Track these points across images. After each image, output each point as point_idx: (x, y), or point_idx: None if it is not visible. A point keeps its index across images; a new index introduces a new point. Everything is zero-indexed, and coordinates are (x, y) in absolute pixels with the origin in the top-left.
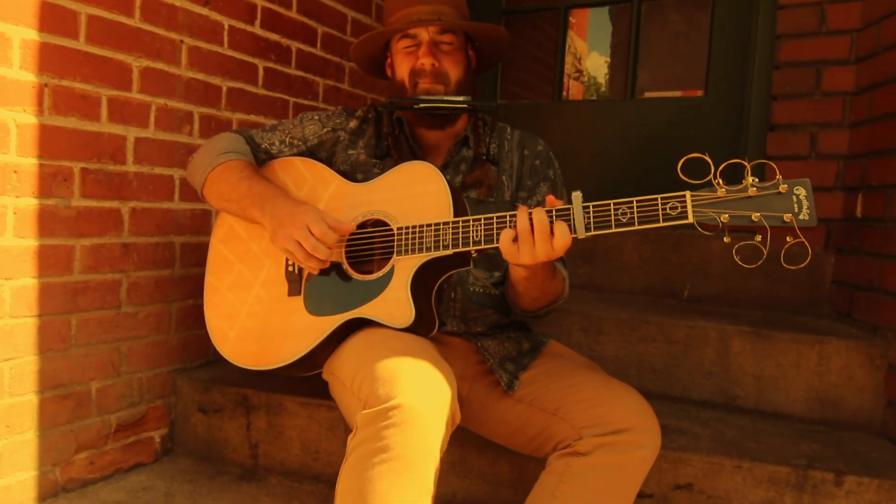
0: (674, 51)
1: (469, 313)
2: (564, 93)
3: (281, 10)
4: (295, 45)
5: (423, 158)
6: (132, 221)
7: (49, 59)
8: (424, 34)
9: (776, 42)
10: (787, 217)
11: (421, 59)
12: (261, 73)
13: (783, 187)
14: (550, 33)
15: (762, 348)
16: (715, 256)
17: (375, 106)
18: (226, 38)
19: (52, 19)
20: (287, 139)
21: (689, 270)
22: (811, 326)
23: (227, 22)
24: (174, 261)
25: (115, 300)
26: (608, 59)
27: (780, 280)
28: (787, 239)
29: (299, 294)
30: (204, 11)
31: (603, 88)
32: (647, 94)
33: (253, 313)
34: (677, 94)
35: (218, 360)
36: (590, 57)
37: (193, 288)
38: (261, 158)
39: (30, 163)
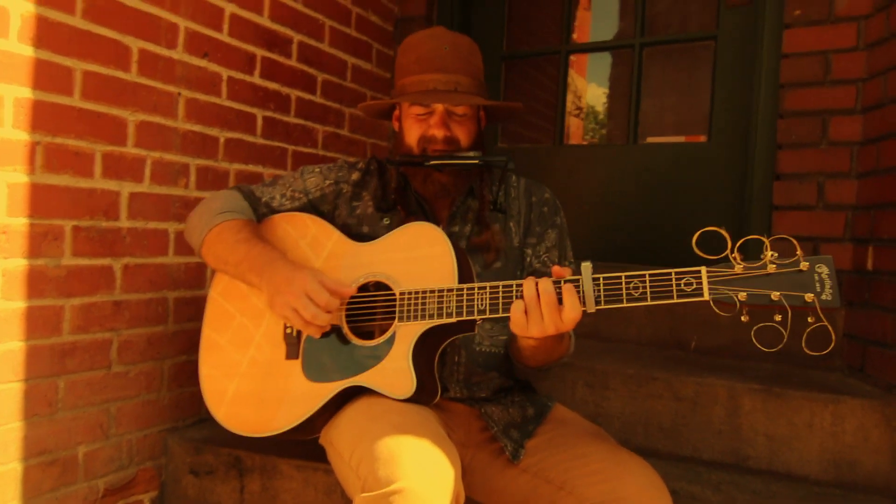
0: (675, 95)
1: (473, 377)
2: (565, 133)
3: (281, 59)
4: (294, 94)
5: (430, 209)
6: (124, 278)
7: (42, 117)
8: (438, 104)
9: (780, 91)
10: (809, 297)
11: (433, 130)
12: (259, 122)
13: (804, 265)
14: (551, 73)
15: (774, 407)
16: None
17: (377, 158)
18: (224, 89)
19: (46, 77)
20: (288, 192)
21: (697, 322)
22: (824, 383)
23: (225, 73)
24: (167, 316)
25: (105, 360)
26: (607, 91)
27: (791, 333)
28: (809, 319)
29: (297, 357)
30: (202, 63)
31: (603, 127)
32: (650, 139)
33: (249, 375)
34: (680, 139)
35: (211, 417)
36: (589, 89)
37: (187, 344)
38: (261, 213)
39: (20, 223)
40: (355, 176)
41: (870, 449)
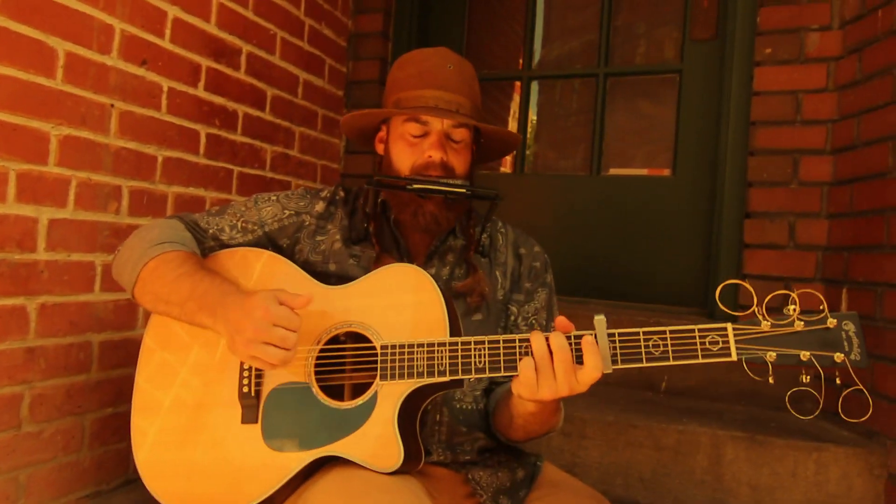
0: (637, 127)
1: (456, 437)
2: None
3: (228, 70)
4: (242, 109)
5: (405, 244)
6: (40, 320)
7: None
8: (438, 124)
9: (751, 128)
10: (839, 357)
11: (429, 152)
12: (203, 140)
13: (831, 322)
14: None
15: (757, 455)
16: None
17: (344, 186)
18: (164, 102)
19: None
20: (239, 224)
21: None
22: (804, 429)
23: (166, 84)
24: (91, 364)
25: (14, 419)
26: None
27: (763, 373)
28: (837, 381)
29: (256, 422)
30: (140, 72)
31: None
32: (613, 171)
33: (196, 444)
34: (643, 171)
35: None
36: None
37: (113, 394)
38: (207, 247)
39: None
40: (319, 206)
41: (854, 498)
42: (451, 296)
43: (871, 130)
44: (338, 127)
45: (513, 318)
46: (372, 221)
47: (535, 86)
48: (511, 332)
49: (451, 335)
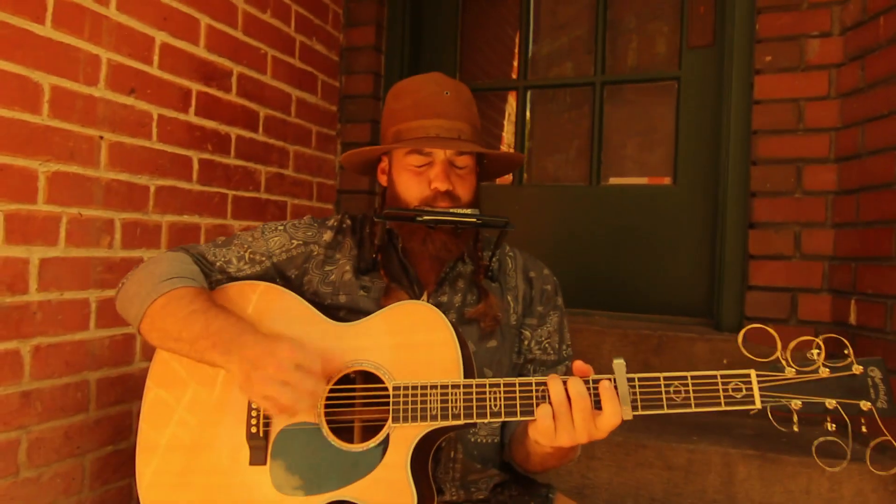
0: (636, 136)
1: (470, 475)
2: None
3: (219, 94)
4: (234, 132)
5: (415, 273)
6: (35, 363)
7: None
8: (441, 153)
9: (753, 137)
10: (865, 405)
11: (434, 182)
12: (195, 166)
13: (857, 368)
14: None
15: (770, 473)
16: (700, 360)
17: (350, 214)
18: (154, 130)
19: None
20: (247, 255)
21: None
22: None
23: (156, 111)
24: (88, 402)
25: (12, 466)
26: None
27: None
28: (863, 430)
29: (264, 463)
30: (129, 101)
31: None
32: (613, 180)
33: (204, 487)
34: (643, 180)
35: None
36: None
37: (112, 431)
38: (214, 279)
39: None
40: (327, 236)
41: None
42: (465, 321)
43: (875, 140)
44: (332, 143)
45: (526, 342)
46: (381, 249)
47: (531, 95)
48: (524, 356)
49: (466, 376)
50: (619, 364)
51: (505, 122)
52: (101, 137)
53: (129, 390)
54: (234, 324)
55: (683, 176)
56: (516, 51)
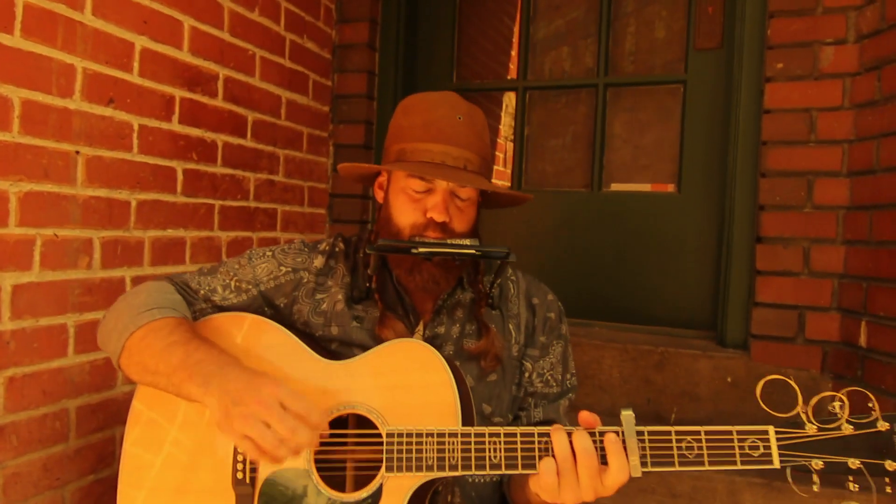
0: (640, 140)
1: None
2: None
3: (204, 99)
4: (221, 139)
5: (410, 302)
6: (9, 395)
7: None
8: (444, 182)
9: (762, 148)
10: (891, 465)
11: (431, 212)
12: (179, 177)
13: (883, 425)
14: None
15: (776, 502)
16: (703, 378)
17: (343, 236)
18: (135, 142)
19: None
20: (233, 283)
21: (675, 392)
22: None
23: (136, 121)
24: (68, 432)
25: None
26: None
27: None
28: (888, 490)
29: None
30: (107, 112)
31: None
32: (615, 186)
33: None
34: (646, 187)
35: None
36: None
37: (94, 460)
38: (198, 308)
39: None
40: (318, 261)
41: None
42: (465, 358)
43: (892, 156)
44: (324, 145)
45: (527, 374)
46: (374, 279)
47: (531, 96)
48: (525, 389)
49: (464, 419)
50: (627, 416)
51: (503, 115)
52: (78, 152)
53: (112, 415)
54: (216, 357)
55: (688, 184)
56: (515, 50)
